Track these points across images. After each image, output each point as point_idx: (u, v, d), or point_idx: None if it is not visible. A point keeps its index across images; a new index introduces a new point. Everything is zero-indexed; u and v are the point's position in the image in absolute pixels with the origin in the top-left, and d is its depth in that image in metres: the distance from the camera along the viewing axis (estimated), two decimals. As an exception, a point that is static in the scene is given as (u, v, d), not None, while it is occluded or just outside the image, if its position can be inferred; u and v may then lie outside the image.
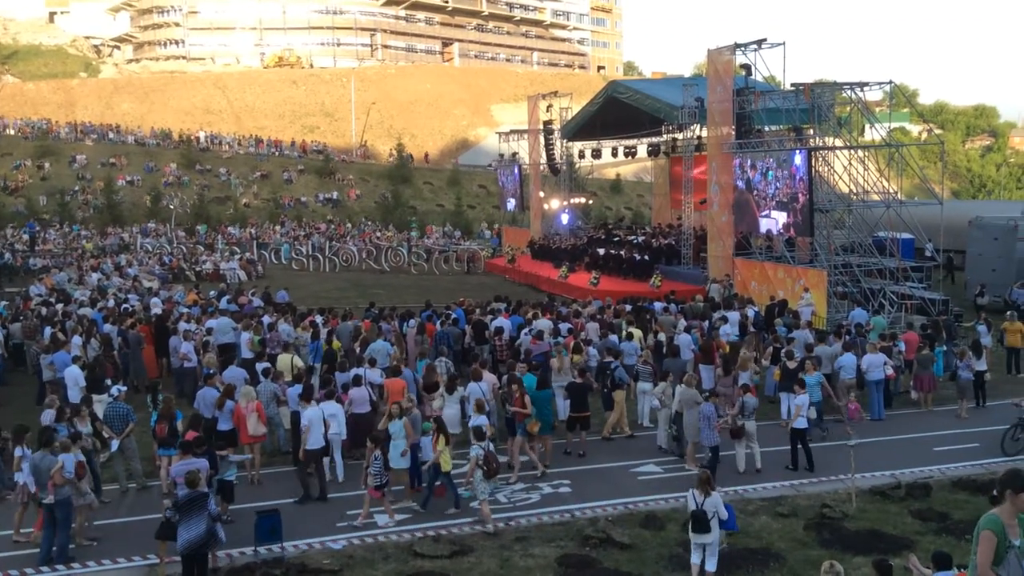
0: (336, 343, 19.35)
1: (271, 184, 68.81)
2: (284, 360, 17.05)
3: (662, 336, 19.87)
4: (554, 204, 45.34)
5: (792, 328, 20.37)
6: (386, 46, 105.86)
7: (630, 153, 43.72)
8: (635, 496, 13.54)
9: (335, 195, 69.21)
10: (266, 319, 21.61)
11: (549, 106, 42.99)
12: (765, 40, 27.43)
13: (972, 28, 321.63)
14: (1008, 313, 22.69)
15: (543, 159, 44.26)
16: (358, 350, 18.64)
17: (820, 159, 26.19)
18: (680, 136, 35.94)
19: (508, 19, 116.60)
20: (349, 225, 60.78)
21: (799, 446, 14.60)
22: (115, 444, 13.67)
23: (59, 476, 11.19)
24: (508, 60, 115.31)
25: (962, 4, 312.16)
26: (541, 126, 43.51)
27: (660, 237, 37.75)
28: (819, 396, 15.62)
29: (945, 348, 19.80)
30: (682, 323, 20.86)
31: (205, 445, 11.91)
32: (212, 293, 29.00)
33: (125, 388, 15.43)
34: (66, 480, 11.25)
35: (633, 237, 39.13)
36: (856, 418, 16.55)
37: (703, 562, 10.19)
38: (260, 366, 16.68)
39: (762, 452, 14.67)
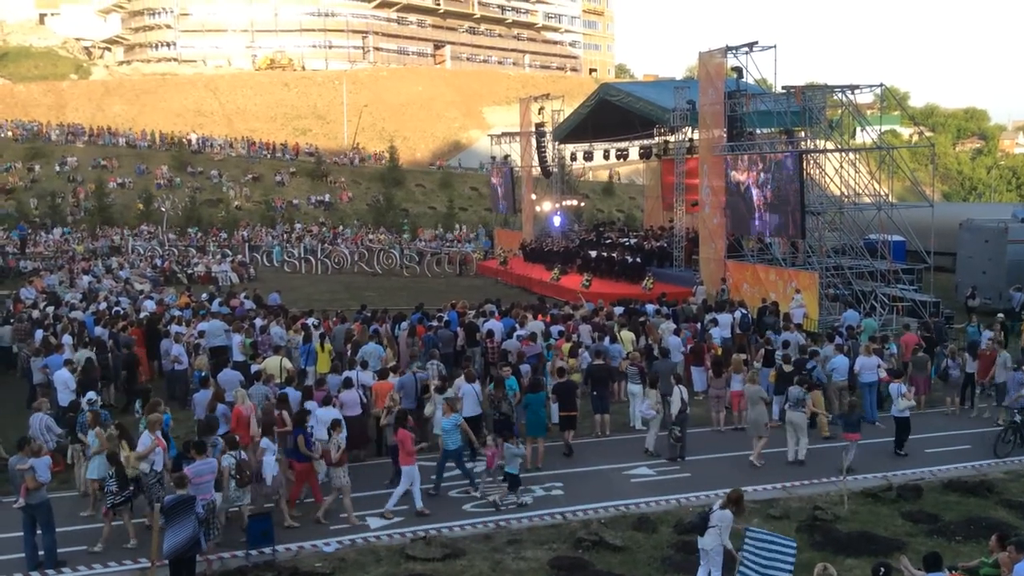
0: (328, 346, 19.29)
1: (263, 186, 68.67)
2: (273, 362, 16.98)
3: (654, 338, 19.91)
4: (546, 206, 45.34)
5: (776, 330, 20.40)
6: (378, 48, 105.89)
7: (622, 156, 43.75)
8: (628, 498, 13.53)
9: (327, 197, 69.12)
10: (258, 322, 21.56)
11: (541, 108, 42.96)
12: (756, 43, 27.52)
13: (963, 31, 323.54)
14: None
15: (535, 161, 44.27)
16: (349, 353, 18.59)
17: (811, 162, 26.27)
18: (672, 139, 35.92)
19: (500, 21, 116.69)
20: (342, 227, 60.69)
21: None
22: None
23: (31, 480, 11.12)
24: (500, 63, 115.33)
25: (953, 7, 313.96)
26: (533, 128, 43.53)
27: (652, 239, 37.80)
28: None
29: (937, 349, 19.84)
30: (671, 325, 20.85)
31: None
32: (204, 296, 28.89)
33: (100, 397, 15.13)
34: (38, 484, 11.17)
35: (625, 239, 39.18)
36: (492, 466, 13.84)
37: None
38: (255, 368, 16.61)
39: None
